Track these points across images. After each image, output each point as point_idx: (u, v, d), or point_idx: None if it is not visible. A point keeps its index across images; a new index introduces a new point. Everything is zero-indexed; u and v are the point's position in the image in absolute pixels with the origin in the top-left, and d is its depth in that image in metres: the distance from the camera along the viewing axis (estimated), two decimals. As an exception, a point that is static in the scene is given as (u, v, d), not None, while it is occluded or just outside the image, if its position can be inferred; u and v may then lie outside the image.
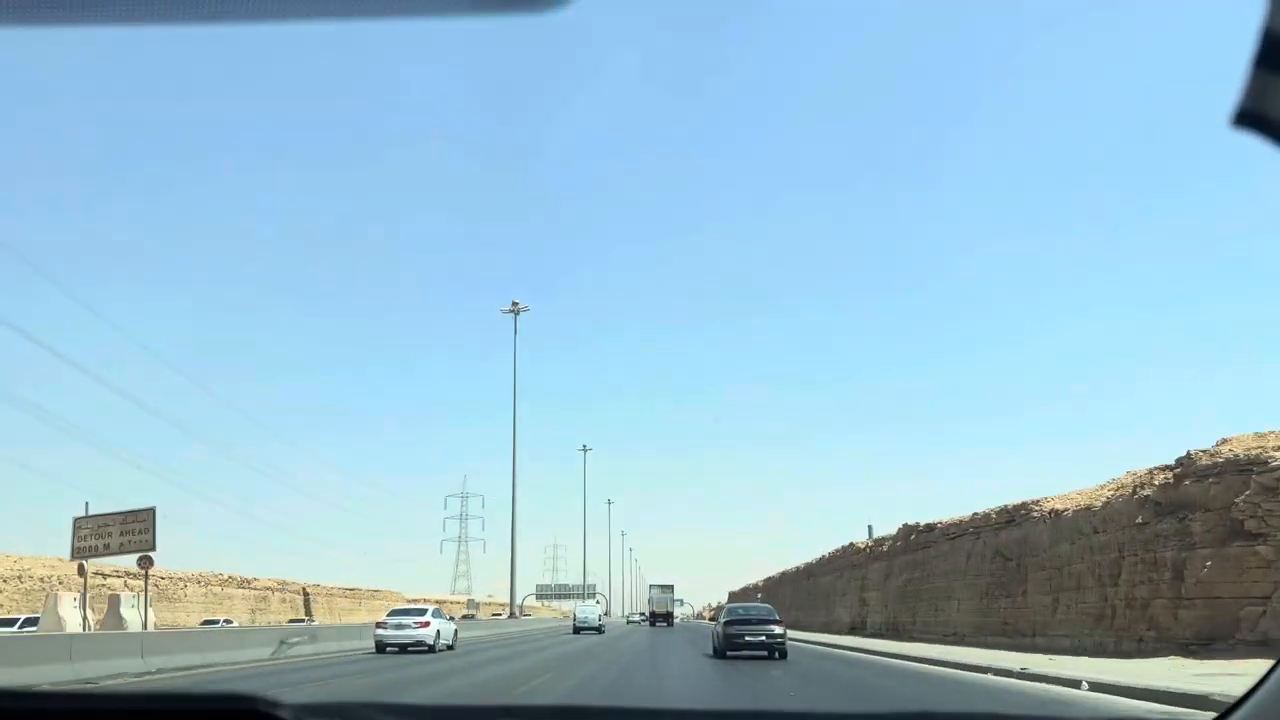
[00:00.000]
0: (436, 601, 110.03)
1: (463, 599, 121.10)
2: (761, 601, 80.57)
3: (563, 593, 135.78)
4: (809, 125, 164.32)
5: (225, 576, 62.91)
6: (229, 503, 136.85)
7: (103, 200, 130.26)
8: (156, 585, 55.67)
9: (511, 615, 62.99)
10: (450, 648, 29.80)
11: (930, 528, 33.82)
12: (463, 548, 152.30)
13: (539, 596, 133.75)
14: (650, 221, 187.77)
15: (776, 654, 23.53)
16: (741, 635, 23.92)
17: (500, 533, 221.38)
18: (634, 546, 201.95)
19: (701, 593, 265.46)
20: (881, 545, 42.06)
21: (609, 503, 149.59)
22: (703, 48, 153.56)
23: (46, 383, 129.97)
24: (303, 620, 72.65)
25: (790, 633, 49.20)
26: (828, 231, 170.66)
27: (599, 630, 55.71)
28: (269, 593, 68.06)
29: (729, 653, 23.66)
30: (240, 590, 64.15)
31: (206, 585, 60.17)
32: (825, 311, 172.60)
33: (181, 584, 57.20)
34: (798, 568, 72.88)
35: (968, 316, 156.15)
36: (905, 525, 36.82)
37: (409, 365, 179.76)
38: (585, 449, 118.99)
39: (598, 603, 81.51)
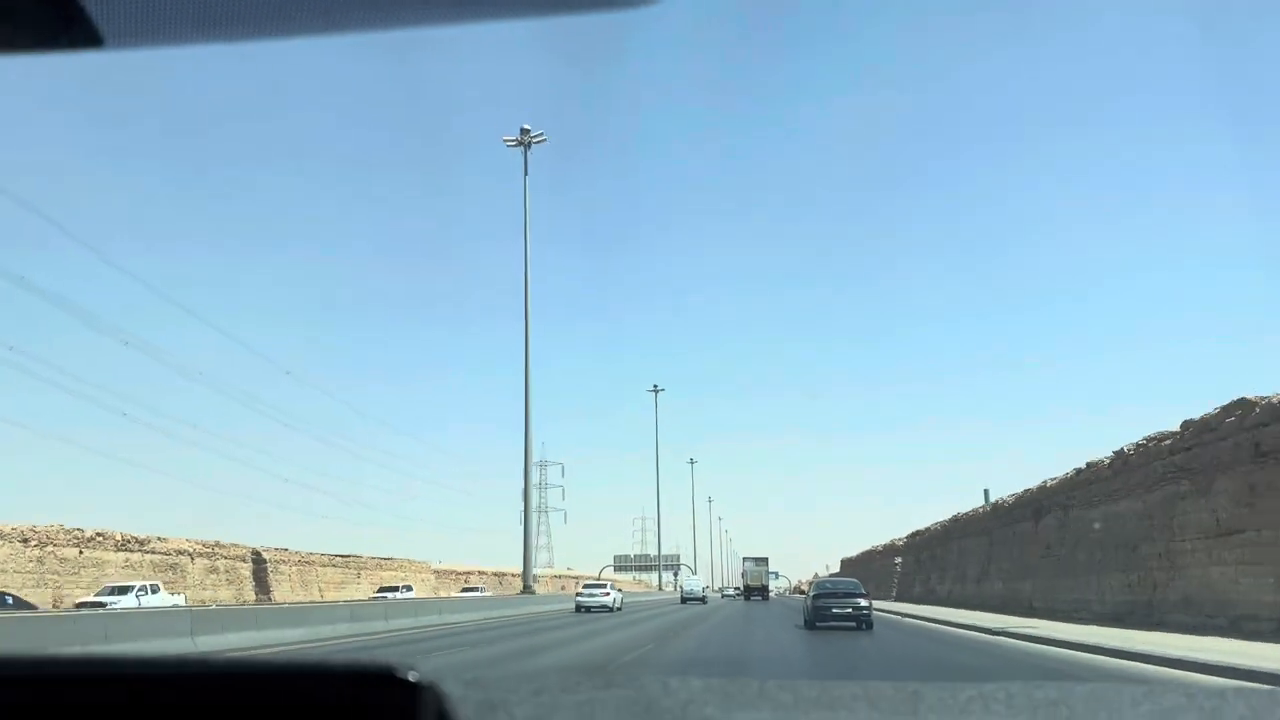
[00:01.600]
0: (495, 573, 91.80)
1: (518, 571, 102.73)
2: (901, 566, 67.25)
3: (642, 564, 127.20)
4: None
5: (89, 534, 39.21)
6: (236, 453, 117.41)
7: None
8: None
9: (526, 589, 52.16)
10: (620, 609, 43.71)
11: None
12: (541, 518, 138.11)
13: (617, 568, 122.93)
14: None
15: (863, 625, 24.60)
16: (829, 608, 25.16)
17: (581, 503, 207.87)
18: (723, 516, 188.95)
19: (798, 566, 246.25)
20: None
21: (691, 462, 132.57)
22: None
23: None
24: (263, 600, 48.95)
25: (1036, 631, 25.32)
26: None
27: (703, 600, 65.65)
28: (184, 559, 44.28)
29: (818, 624, 25.05)
30: (120, 554, 40.42)
31: (43, 545, 36.52)
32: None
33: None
34: (997, 504, 46.12)
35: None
36: None
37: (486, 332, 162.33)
38: (656, 389, 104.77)
39: (699, 576, 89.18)
